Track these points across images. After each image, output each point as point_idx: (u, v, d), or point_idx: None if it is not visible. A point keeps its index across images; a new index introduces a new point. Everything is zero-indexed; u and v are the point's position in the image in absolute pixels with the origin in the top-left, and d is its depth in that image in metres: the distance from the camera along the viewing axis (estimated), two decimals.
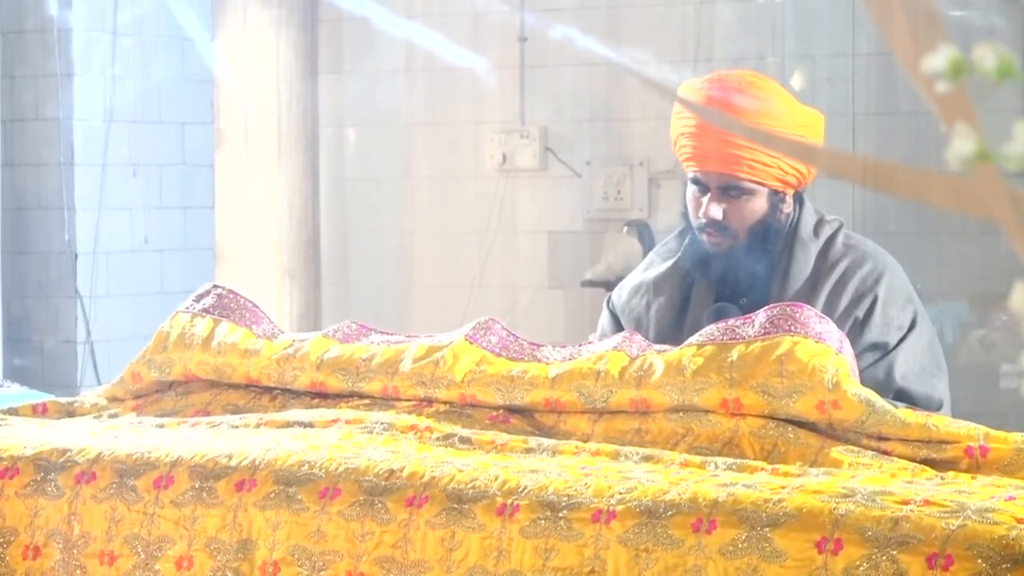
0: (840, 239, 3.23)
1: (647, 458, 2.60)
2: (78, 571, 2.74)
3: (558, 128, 5.96)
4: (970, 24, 5.19)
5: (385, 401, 2.91)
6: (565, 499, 2.43)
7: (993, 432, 2.58)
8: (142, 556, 2.69)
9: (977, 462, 2.54)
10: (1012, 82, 1.11)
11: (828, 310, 3.06)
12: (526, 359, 2.86)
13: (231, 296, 3.16)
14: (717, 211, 3.18)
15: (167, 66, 6.42)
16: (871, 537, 2.22)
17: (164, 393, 3.14)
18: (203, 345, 3.07)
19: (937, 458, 2.56)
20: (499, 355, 2.88)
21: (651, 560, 2.34)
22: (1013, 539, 2.16)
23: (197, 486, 2.68)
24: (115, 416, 3.11)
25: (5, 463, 2.83)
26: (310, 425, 2.84)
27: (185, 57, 6.44)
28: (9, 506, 2.80)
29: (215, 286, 3.20)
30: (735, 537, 2.30)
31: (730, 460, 2.56)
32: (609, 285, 5.33)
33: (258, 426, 2.89)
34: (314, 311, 6.13)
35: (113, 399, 3.19)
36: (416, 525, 2.50)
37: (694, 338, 2.78)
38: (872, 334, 3.13)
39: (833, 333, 2.70)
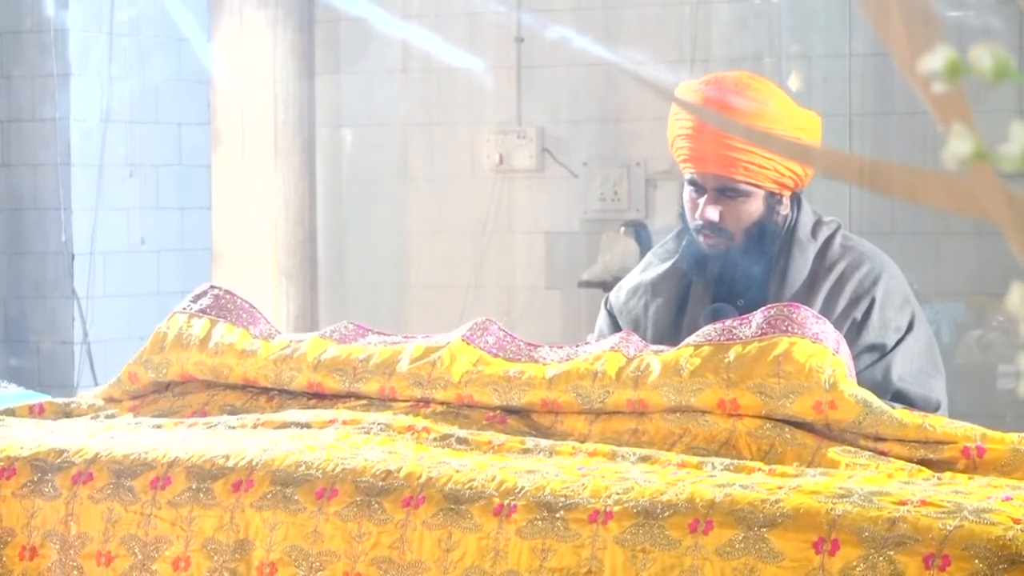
0: (838, 240, 3.23)
1: (644, 459, 2.60)
2: (75, 572, 2.74)
3: (555, 129, 5.96)
4: (967, 24, 5.20)
5: (382, 402, 2.91)
6: (562, 499, 2.43)
7: (990, 433, 2.58)
8: (139, 557, 2.69)
9: (974, 462, 2.54)
10: (1009, 82, 1.11)
11: (826, 311, 3.06)
12: (523, 360, 2.86)
13: (228, 297, 3.16)
14: (713, 213, 3.18)
15: (164, 66, 6.42)
16: (868, 538, 2.22)
17: (161, 394, 3.14)
18: (200, 346, 3.07)
19: (934, 458, 2.56)
20: (496, 356, 2.88)
21: (648, 561, 2.34)
22: (1010, 539, 2.16)
23: (194, 487, 2.67)
24: (112, 417, 3.11)
25: (2, 464, 2.83)
26: (307, 426, 2.84)
27: (182, 57, 6.44)
28: (6, 507, 2.80)
29: (212, 287, 3.20)
30: (732, 538, 2.30)
31: (727, 460, 2.56)
32: (606, 286, 5.33)
33: (255, 427, 2.89)
34: (311, 312, 6.12)
35: (110, 400, 3.19)
36: (413, 526, 2.50)
37: (691, 339, 2.78)
38: (870, 335, 3.13)
39: (830, 334, 2.70)
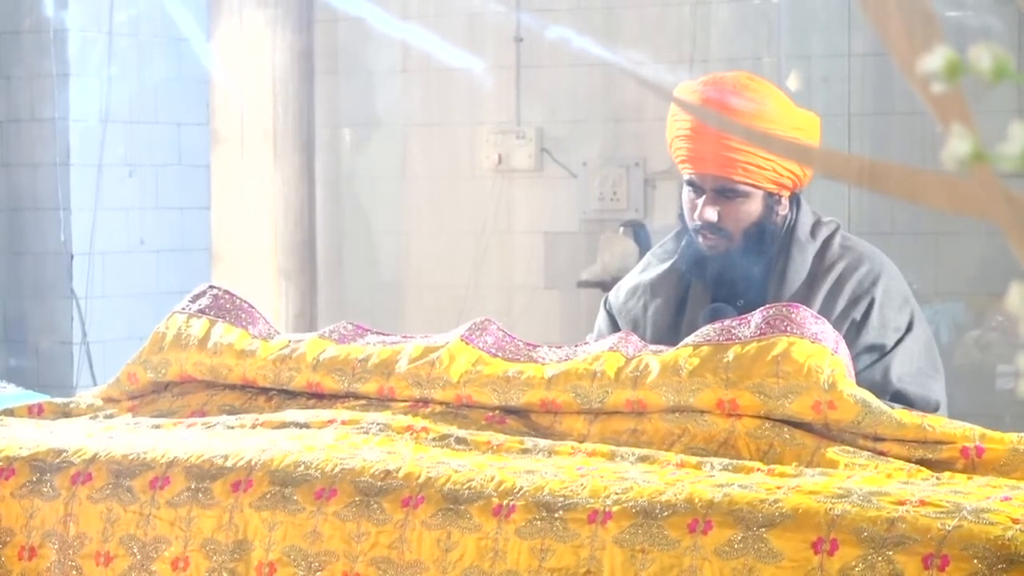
0: (837, 240, 3.23)
1: (643, 459, 2.60)
2: (74, 572, 2.74)
3: (554, 129, 5.96)
4: (966, 24, 5.19)
5: (381, 402, 2.91)
6: (561, 500, 2.43)
7: (989, 432, 2.58)
8: (138, 557, 2.69)
9: (973, 462, 2.54)
10: (1008, 82, 1.11)
11: (825, 312, 3.06)
12: (522, 360, 2.86)
13: (227, 297, 3.16)
14: (712, 213, 3.18)
15: (163, 66, 6.42)
16: (867, 538, 2.22)
17: (160, 394, 3.14)
18: (199, 346, 3.07)
19: (933, 458, 2.56)
20: (495, 356, 2.88)
21: (647, 561, 2.34)
22: (1009, 539, 2.16)
23: (193, 487, 2.67)
24: (111, 417, 3.11)
25: (1, 464, 2.83)
26: (306, 426, 2.84)
27: (181, 57, 6.43)
28: (5, 507, 2.80)
29: (211, 287, 3.20)
30: (731, 538, 2.30)
31: (726, 461, 2.56)
32: (605, 286, 5.33)
33: (254, 427, 2.89)
34: (310, 312, 6.12)
35: (109, 400, 3.18)
36: (412, 526, 2.50)
37: (690, 339, 2.77)
38: (869, 336, 3.13)
39: (829, 333, 2.70)
